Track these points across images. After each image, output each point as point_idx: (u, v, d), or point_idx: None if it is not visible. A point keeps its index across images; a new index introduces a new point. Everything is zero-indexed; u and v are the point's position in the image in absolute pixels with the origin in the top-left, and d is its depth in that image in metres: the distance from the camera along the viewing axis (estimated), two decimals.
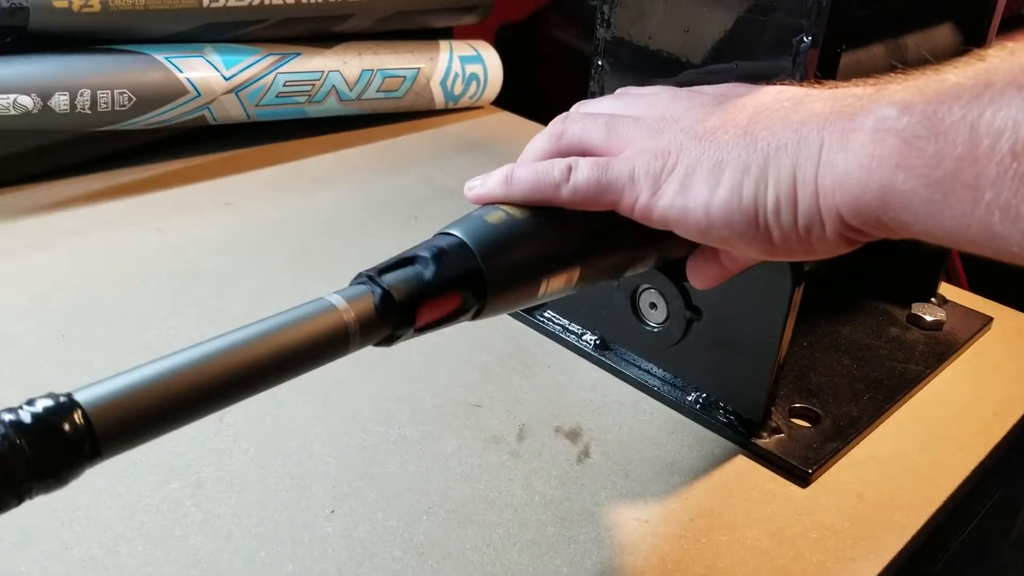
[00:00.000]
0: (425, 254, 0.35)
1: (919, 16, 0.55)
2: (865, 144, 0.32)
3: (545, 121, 0.98)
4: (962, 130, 0.29)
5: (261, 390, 0.33)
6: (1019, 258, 0.29)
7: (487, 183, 0.41)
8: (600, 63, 0.52)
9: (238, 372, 0.32)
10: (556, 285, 0.39)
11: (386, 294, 0.34)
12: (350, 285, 0.35)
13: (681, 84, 0.44)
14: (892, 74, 0.34)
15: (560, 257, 0.39)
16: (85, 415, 0.28)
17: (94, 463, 0.28)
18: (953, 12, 0.57)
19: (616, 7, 0.50)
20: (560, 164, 0.39)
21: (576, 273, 0.40)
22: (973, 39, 0.57)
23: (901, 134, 0.30)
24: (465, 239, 0.36)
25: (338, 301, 0.34)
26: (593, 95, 0.53)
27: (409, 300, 0.34)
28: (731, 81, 0.44)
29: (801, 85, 0.38)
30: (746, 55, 0.45)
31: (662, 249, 0.42)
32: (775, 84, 0.39)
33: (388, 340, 0.35)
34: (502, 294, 0.37)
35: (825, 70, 0.44)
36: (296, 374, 0.33)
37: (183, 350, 0.31)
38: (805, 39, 0.43)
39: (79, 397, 0.28)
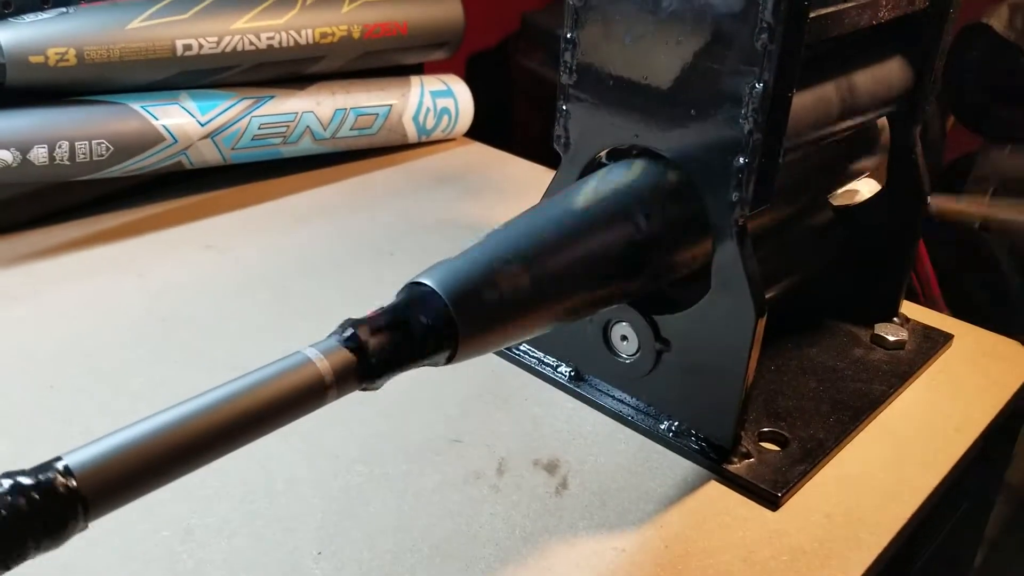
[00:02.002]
0: (417, 325, 0.37)
1: (867, 53, 0.58)
2: None
3: (518, 150, 1.00)
4: None
5: (242, 444, 0.34)
6: None
7: None
8: (564, 108, 0.54)
9: (219, 429, 0.34)
10: (528, 334, 0.41)
11: (368, 360, 0.35)
12: (335, 332, 0.36)
13: None
14: None
15: (535, 313, 0.41)
16: (75, 478, 0.29)
17: (86, 524, 0.30)
18: (900, 47, 0.59)
19: (578, 55, 0.52)
20: None
21: (549, 318, 0.42)
22: (921, 73, 0.60)
23: None
24: (452, 311, 0.38)
25: (315, 355, 0.35)
26: (559, 138, 0.55)
27: (392, 365, 0.36)
28: None
29: None
30: (702, 101, 0.47)
31: (631, 287, 0.44)
32: None
33: (361, 390, 0.37)
34: (473, 350, 0.39)
35: (777, 113, 0.46)
36: (274, 428, 0.35)
37: (166, 410, 0.33)
38: (757, 85, 0.45)
39: (68, 461, 0.30)
